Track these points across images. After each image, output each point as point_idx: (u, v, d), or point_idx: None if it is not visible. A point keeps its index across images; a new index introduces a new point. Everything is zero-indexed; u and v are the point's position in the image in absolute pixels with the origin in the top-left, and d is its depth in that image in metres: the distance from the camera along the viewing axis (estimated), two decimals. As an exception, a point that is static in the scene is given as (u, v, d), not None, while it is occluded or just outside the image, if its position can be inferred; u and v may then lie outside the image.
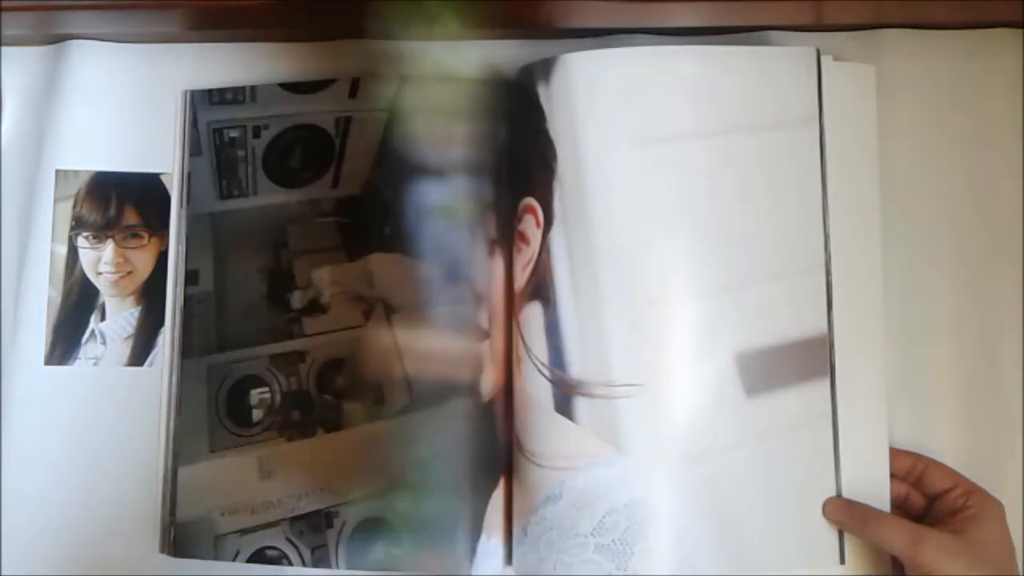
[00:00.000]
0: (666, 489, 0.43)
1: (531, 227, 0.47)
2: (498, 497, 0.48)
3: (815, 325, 0.46)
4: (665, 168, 0.45)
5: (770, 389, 0.45)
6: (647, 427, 0.44)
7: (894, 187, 0.49)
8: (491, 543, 0.47)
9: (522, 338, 0.47)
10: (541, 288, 0.46)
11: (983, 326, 0.49)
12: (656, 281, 0.45)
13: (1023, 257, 0.49)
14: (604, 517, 0.44)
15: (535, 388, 0.46)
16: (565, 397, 0.45)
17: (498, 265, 0.49)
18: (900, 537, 0.42)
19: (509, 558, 0.47)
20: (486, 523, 0.47)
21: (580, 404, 0.45)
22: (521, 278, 0.47)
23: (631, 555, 0.43)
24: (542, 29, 0.51)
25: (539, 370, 0.46)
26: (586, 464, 0.44)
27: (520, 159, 0.48)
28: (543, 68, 0.47)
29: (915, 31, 0.51)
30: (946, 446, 0.48)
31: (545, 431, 0.45)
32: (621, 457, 0.44)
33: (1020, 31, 0.50)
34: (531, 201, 0.47)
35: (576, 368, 0.45)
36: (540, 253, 0.46)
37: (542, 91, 0.47)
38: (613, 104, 0.45)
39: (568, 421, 0.45)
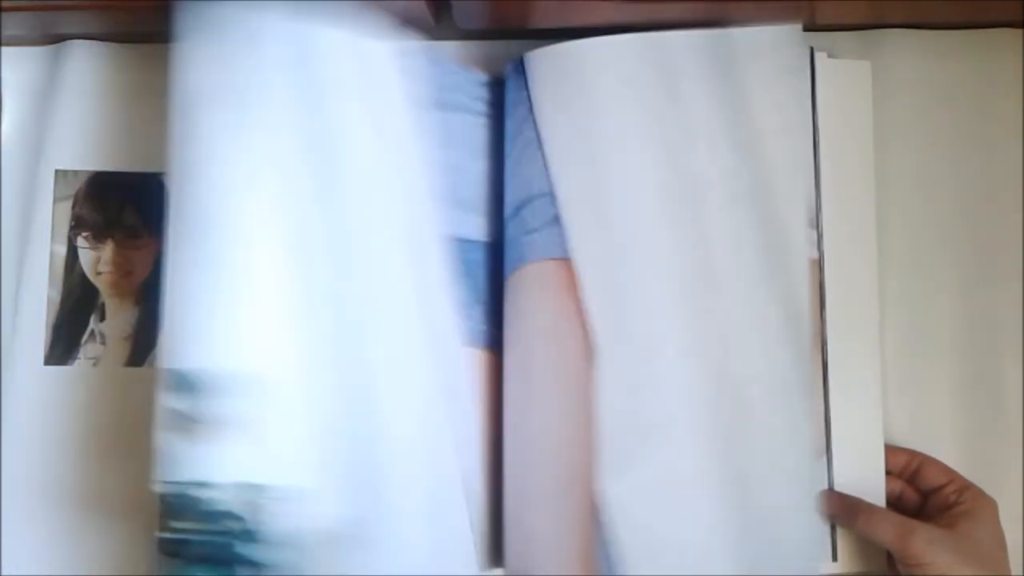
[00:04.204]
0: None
1: None
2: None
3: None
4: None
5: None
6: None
7: (894, 187, 0.49)
8: None
9: None
10: None
11: (983, 326, 0.49)
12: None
13: (1023, 257, 0.49)
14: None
15: None
16: None
17: None
18: (890, 529, 0.42)
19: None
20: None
21: None
22: None
23: None
24: (540, 29, 0.51)
25: None
26: None
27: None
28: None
29: (915, 31, 0.51)
30: (946, 446, 0.48)
31: None
32: None
33: (1020, 31, 0.50)
34: None
35: None
36: None
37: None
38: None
39: None
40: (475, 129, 0.48)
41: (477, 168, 0.48)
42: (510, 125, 0.47)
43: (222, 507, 0.39)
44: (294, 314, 0.41)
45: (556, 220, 0.44)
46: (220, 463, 0.39)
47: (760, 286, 0.43)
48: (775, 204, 0.44)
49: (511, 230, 0.46)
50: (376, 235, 0.44)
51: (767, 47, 0.44)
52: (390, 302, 0.44)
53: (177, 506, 0.40)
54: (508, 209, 0.47)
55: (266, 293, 0.41)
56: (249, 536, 0.40)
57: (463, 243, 0.47)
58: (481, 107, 0.49)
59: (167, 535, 0.40)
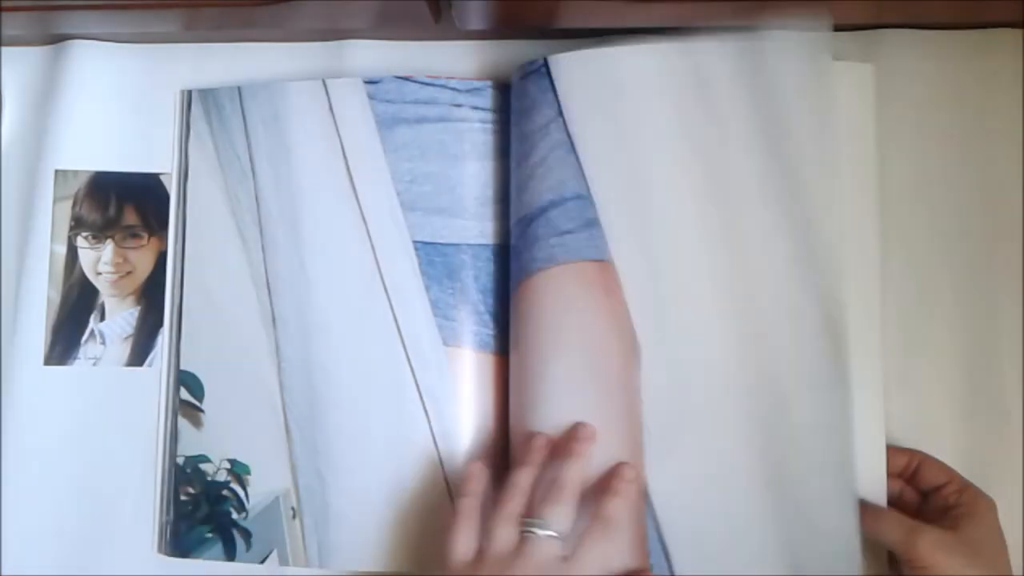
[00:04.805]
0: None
1: None
2: None
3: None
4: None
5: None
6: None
7: (894, 187, 0.49)
8: None
9: None
10: None
11: (983, 326, 0.49)
12: None
13: (1023, 257, 0.49)
14: None
15: None
16: None
17: None
18: (896, 531, 0.42)
19: None
20: None
21: None
22: None
23: None
24: (542, 29, 0.51)
25: None
26: None
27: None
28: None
29: (915, 31, 0.51)
30: (946, 446, 0.48)
31: None
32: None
33: (1020, 31, 0.50)
34: None
35: None
36: None
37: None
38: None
39: None
40: (455, 136, 0.49)
41: (456, 174, 0.49)
42: (528, 127, 0.47)
43: (220, 478, 0.49)
44: (264, 322, 0.50)
45: (593, 222, 0.45)
46: (213, 444, 0.49)
47: (793, 284, 0.44)
48: (805, 203, 0.45)
49: (535, 231, 0.46)
50: (345, 246, 0.49)
51: (794, 52, 0.45)
52: (360, 307, 0.48)
53: (189, 475, 0.49)
54: (528, 210, 0.47)
55: (236, 305, 0.50)
56: (241, 506, 0.49)
57: (445, 247, 0.48)
58: (465, 114, 0.49)
59: (184, 499, 0.49)
